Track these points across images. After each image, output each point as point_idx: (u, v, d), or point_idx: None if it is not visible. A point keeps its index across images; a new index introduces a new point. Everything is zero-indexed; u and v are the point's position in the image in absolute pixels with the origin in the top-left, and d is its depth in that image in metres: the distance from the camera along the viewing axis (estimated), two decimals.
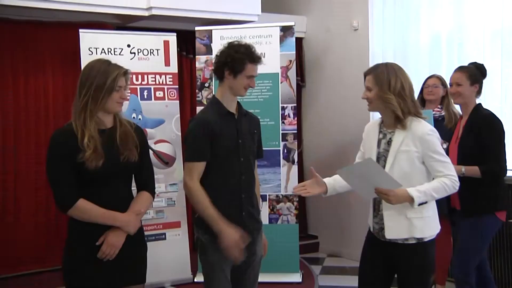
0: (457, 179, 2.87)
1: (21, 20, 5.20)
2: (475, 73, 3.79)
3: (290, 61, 5.33)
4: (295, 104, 5.39)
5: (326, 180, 3.06)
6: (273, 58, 5.26)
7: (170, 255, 4.96)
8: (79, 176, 2.62)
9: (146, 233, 2.97)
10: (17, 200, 5.17)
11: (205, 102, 5.25)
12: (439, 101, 4.52)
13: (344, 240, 6.22)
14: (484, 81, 3.84)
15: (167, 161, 4.99)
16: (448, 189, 2.86)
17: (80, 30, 4.90)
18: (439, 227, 2.98)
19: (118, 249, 2.67)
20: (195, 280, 5.06)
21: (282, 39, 5.30)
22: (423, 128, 2.87)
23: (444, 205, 3.85)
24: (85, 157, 2.58)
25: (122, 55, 4.96)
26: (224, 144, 3.01)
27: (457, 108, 4.16)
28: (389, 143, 2.92)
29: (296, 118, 5.36)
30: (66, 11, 4.96)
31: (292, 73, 5.35)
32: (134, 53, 5.05)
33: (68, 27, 5.33)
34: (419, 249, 2.91)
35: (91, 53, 4.86)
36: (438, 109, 4.49)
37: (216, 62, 3.08)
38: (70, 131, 2.65)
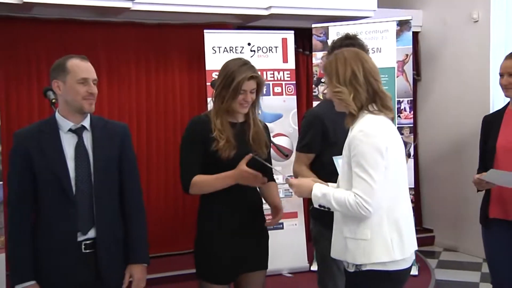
0: (366, 205, 2.18)
1: (152, 24, 5.42)
2: None
3: (407, 55, 5.14)
4: (411, 98, 5.21)
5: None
6: (389, 52, 5.11)
7: (287, 244, 4.95)
8: (212, 164, 2.65)
9: None
10: (149, 188, 5.37)
11: (321, 97, 5.22)
12: None
13: (461, 234, 5.93)
14: None
15: (286, 153, 4.96)
16: (350, 208, 2.21)
17: (204, 31, 5.03)
18: (393, 255, 2.25)
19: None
20: (311, 268, 5.03)
21: (398, 34, 5.13)
22: (358, 128, 2.28)
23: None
24: (219, 146, 2.61)
25: (243, 53, 5.03)
26: (332, 140, 2.92)
27: None
28: None
29: (412, 112, 5.18)
30: (191, 13, 5.12)
31: (409, 67, 5.16)
32: (254, 50, 5.12)
33: (193, 28, 5.46)
34: (355, 280, 2.32)
35: (214, 51, 5.00)
36: None
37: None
38: (206, 120, 2.69)
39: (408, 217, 2.37)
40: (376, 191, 2.20)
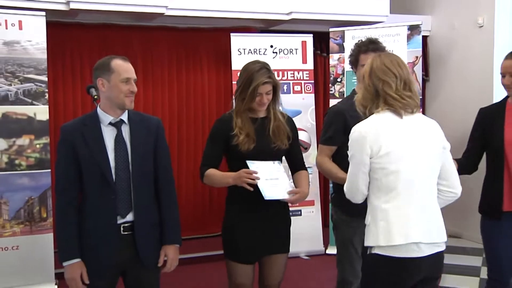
0: (346, 191, 2.29)
1: (183, 28, 5.45)
2: None
3: (417, 57, 5.10)
4: (421, 97, 5.14)
5: None
6: (400, 55, 4.91)
7: (305, 229, 4.94)
8: (235, 156, 2.67)
9: None
10: (180, 178, 5.39)
11: (337, 95, 5.21)
12: None
13: (465, 222, 5.85)
14: None
15: (306, 147, 5.02)
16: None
17: (231, 34, 5.04)
18: (377, 240, 2.16)
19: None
20: (327, 252, 5.05)
21: (409, 37, 5.10)
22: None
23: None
24: (239, 141, 2.64)
25: (266, 54, 5.04)
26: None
27: None
28: None
29: (421, 110, 5.12)
30: (219, 18, 5.14)
31: (418, 68, 5.12)
32: (276, 52, 5.12)
33: (221, 32, 5.48)
34: (365, 261, 2.31)
35: (240, 53, 5.01)
36: None
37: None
38: (230, 118, 2.71)
39: (414, 209, 2.17)
40: (350, 181, 2.24)
